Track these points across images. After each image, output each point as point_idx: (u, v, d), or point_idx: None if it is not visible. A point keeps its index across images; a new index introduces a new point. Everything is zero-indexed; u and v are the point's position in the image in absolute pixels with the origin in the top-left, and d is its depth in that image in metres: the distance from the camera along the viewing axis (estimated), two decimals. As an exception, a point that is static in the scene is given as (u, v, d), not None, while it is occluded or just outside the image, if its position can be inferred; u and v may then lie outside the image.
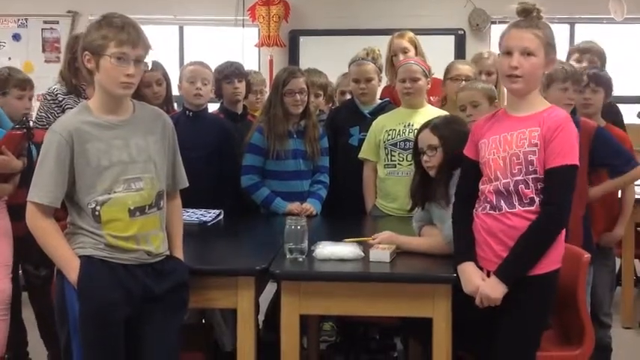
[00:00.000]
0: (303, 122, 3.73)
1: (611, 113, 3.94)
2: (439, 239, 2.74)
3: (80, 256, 2.36)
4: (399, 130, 3.69)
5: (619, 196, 3.76)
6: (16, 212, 2.94)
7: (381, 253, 2.68)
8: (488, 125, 2.52)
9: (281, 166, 3.70)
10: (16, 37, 7.21)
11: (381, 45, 4.41)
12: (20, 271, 3.56)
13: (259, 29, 6.96)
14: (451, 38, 6.94)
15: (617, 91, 3.86)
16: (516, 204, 2.39)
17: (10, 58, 6.99)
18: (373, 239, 2.79)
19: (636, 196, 3.84)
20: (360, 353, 3.96)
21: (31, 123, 3.49)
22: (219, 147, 3.70)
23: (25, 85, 3.71)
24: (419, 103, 3.74)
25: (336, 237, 2.86)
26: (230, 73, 4.06)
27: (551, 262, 2.40)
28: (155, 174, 2.46)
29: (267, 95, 4.09)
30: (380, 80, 4.07)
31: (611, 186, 3.49)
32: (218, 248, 3.12)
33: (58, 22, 7.17)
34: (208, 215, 3.40)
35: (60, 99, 3.72)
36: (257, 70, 5.93)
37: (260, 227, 3.58)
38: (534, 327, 2.45)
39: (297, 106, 3.67)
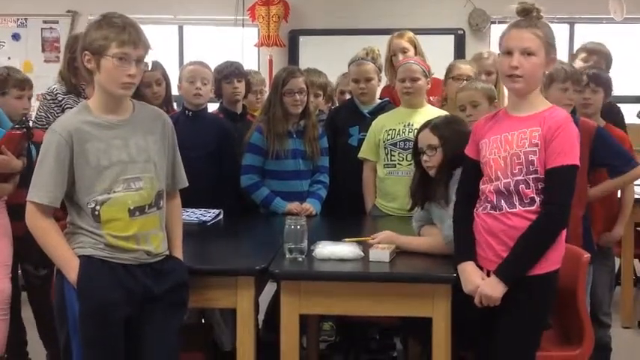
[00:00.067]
0: (302, 122, 3.73)
1: (612, 114, 3.95)
2: (439, 239, 2.74)
3: (80, 256, 2.36)
4: (399, 130, 3.69)
5: (618, 196, 3.76)
6: (16, 212, 2.93)
7: (380, 253, 2.68)
8: (489, 125, 2.52)
9: (280, 165, 3.70)
10: (16, 36, 7.20)
11: (380, 45, 4.41)
12: (19, 271, 3.56)
13: (259, 29, 6.96)
14: (451, 38, 6.94)
15: (616, 91, 3.86)
16: (517, 204, 2.39)
17: (9, 58, 6.98)
18: (373, 239, 2.79)
19: (636, 196, 3.84)
20: (360, 353, 3.95)
21: (30, 123, 3.50)
22: (219, 147, 3.70)
23: (24, 85, 3.70)
24: (419, 102, 3.74)
25: (336, 237, 2.86)
26: (229, 72, 4.06)
27: (552, 262, 2.40)
28: (155, 174, 2.46)
29: (266, 95, 4.08)
30: (379, 80, 4.07)
31: (611, 186, 3.49)
32: (218, 248, 3.12)
33: (57, 22, 7.17)
34: (208, 215, 3.40)
35: (59, 99, 3.72)
36: (257, 70, 5.92)
37: (260, 227, 3.58)
38: (534, 327, 2.45)
39: (297, 106, 3.67)
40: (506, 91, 3.63)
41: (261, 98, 4.42)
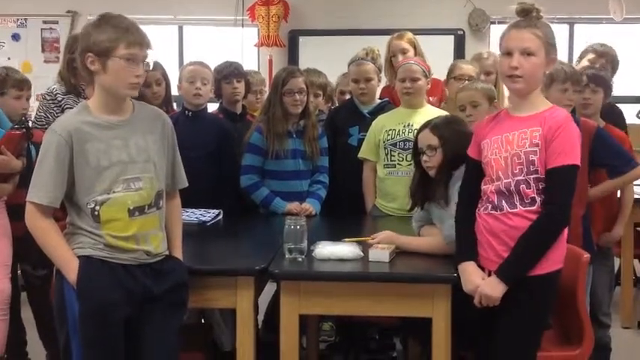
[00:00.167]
0: (302, 122, 3.73)
1: (613, 115, 3.94)
2: (439, 239, 2.74)
3: (79, 256, 2.35)
4: (399, 130, 3.69)
5: (618, 196, 3.76)
6: (16, 212, 2.93)
7: (380, 253, 2.68)
8: (490, 125, 2.52)
9: (280, 165, 3.70)
10: (16, 37, 7.20)
11: (380, 45, 4.41)
12: (19, 271, 3.56)
13: (259, 29, 6.96)
14: (450, 38, 6.95)
15: (616, 91, 3.86)
16: (517, 204, 2.39)
17: (9, 58, 6.98)
18: (372, 239, 2.79)
19: (635, 196, 3.84)
20: (360, 353, 3.95)
21: (30, 123, 3.49)
22: (219, 147, 3.69)
23: (23, 85, 3.71)
24: (418, 103, 3.74)
25: (336, 237, 2.86)
26: (229, 73, 4.06)
27: (553, 262, 2.39)
28: (154, 174, 2.46)
29: (266, 95, 4.09)
30: (379, 80, 4.07)
31: (611, 186, 3.49)
32: (217, 248, 3.12)
33: (57, 22, 7.17)
34: (207, 215, 3.40)
35: (59, 99, 3.72)
36: (256, 70, 5.92)
37: (259, 227, 3.57)
38: (534, 327, 2.45)
39: (297, 106, 3.67)
40: (505, 92, 3.65)
41: (261, 98, 4.42)
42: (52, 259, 2.38)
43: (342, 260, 2.67)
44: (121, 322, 2.36)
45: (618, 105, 4.26)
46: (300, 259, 2.68)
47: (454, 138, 2.84)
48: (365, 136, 3.81)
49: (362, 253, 2.71)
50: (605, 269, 3.66)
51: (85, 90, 3.64)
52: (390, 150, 3.68)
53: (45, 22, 7.18)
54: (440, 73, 4.29)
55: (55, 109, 3.70)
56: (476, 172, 2.54)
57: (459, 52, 6.85)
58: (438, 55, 4.78)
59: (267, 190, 3.67)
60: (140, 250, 2.41)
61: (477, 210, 2.51)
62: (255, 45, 7.04)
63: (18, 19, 7.20)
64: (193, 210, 3.38)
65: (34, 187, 2.35)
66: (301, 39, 7.06)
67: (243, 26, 7.06)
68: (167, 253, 2.52)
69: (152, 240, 2.45)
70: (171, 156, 2.57)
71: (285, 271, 2.62)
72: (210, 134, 3.70)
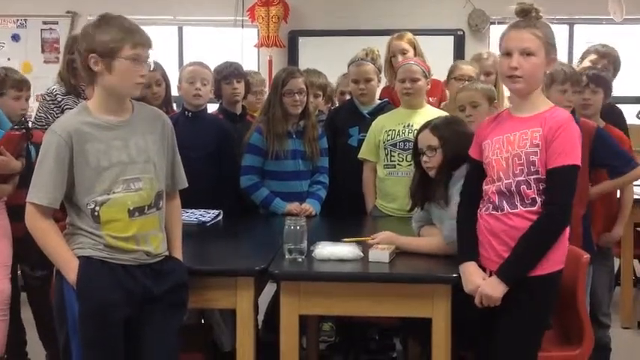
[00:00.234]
0: (302, 122, 3.73)
1: (613, 115, 3.94)
2: (439, 239, 2.74)
3: (79, 257, 2.35)
4: (399, 131, 3.69)
5: (618, 196, 3.76)
6: (16, 213, 2.93)
7: (380, 254, 2.68)
8: (492, 126, 2.52)
9: (280, 166, 3.70)
10: (15, 37, 7.20)
11: (380, 45, 4.41)
12: (19, 272, 3.56)
13: (258, 30, 6.96)
14: (450, 39, 6.95)
15: (616, 92, 3.86)
16: (518, 204, 2.39)
17: (9, 59, 6.97)
18: (372, 239, 2.79)
19: (635, 197, 3.84)
20: (360, 353, 3.96)
21: (29, 123, 3.49)
22: (219, 147, 3.69)
23: (22, 85, 3.71)
24: (418, 103, 3.74)
25: (336, 237, 2.86)
26: (229, 73, 4.06)
27: (554, 262, 2.39)
28: (154, 174, 2.46)
29: (267, 96, 4.09)
30: (379, 81, 4.07)
31: (610, 186, 3.49)
32: (217, 249, 3.12)
33: (57, 23, 7.17)
34: (207, 215, 3.40)
35: (59, 99, 3.72)
36: (256, 70, 5.92)
37: (259, 228, 3.57)
38: (535, 327, 2.45)
39: (297, 107, 3.67)
40: (505, 92, 3.65)
41: (262, 99, 4.42)
42: (52, 260, 2.38)
43: (342, 261, 2.67)
44: (120, 323, 2.36)
45: (618, 105, 4.25)
46: (300, 260, 2.68)
47: (454, 138, 2.84)
48: (365, 136, 3.81)
49: (362, 254, 2.71)
50: (604, 269, 3.66)
51: (84, 90, 3.64)
52: (390, 150, 3.68)
53: (45, 23, 7.18)
54: (440, 74, 4.29)
55: (54, 109, 3.70)
56: (477, 172, 2.54)
57: (459, 52, 6.85)
58: (437, 56, 4.78)
59: (267, 191, 3.67)
60: (140, 251, 2.41)
61: (478, 210, 2.51)
62: (255, 45, 7.04)
63: (18, 20, 7.20)
64: (193, 210, 3.38)
65: (34, 188, 2.35)
66: (301, 39, 7.06)
67: (242, 27, 7.06)
68: (167, 253, 2.52)
69: (152, 240, 2.45)
70: (170, 156, 2.57)
71: (285, 272, 2.62)
72: (210, 135, 3.70)
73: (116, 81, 2.37)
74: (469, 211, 2.54)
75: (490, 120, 2.59)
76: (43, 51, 7.19)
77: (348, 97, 4.33)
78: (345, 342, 4.07)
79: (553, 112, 2.42)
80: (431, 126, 2.91)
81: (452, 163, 2.80)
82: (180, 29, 7.43)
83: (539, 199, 2.37)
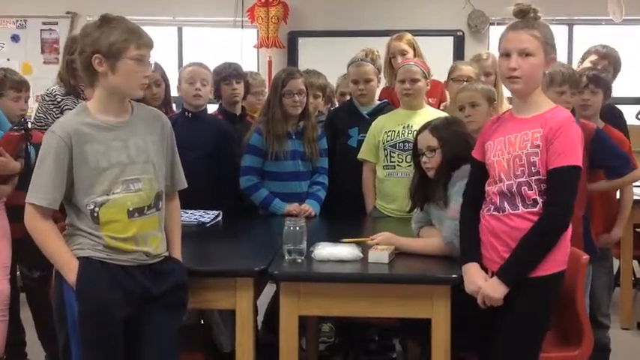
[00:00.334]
0: (302, 123, 3.73)
1: (612, 115, 3.94)
2: (438, 240, 2.74)
3: (79, 258, 2.35)
4: (399, 132, 3.69)
5: (617, 197, 3.76)
6: (15, 213, 2.93)
7: (379, 254, 2.68)
8: (494, 127, 2.53)
9: (280, 167, 3.70)
10: (15, 38, 7.19)
11: (380, 46, 4.42)
12: (18, 273, 3.56)
13: (258, 30, 6.95)
14: (450, 39, 6.94)
15: (616, 93, 3.86)
16: (519, 205, 2.39)
17: (8, 59, 6.96)
18: (372, 240, 2.79)
19: (635, 197, 3.84)
20: (359, 354, 3.95)
21: (29, 124, 3.49)
22: (218, 148, 3.69)
23: (21, 86, 3.71)
24: (418, 104, 3.74)
25: (335, 238, 2.86)
26: (228, 74, 4.06)
27: (555, 263, 2.39)
28: (154, 175, 2.46)
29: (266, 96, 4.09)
30: (379, 81, 4.07)
31: (607, 186, 3.50)
32: (217, 249, 3.12)
33: (57, 23, 7.16)
34: (207, 216, 3.40)
35: (58, 100, 3.71)
36: (256, 71, 5.91)
37: (259, 228, 3.57)
38: (536, 328, 2.45)
39: (296, 107, 3.68)
40: (505, 93, 3.65)
41: (262, 99, 4.41)
42: (52, 261, 2.38)
43: (341, 261, 2.67)
44: (120, 323, 2.36)
45: (618, 106, 4.25)
46: (299, 261, 2.68)
47: (453, 139, 2.85)
48: (364, 137, 3.81)
49: (361, 255, 2.71)
50: (604, 270, 3.66)
51: (84, 91, 3.64)
52: (390, 151, 3.68)
53: (44, 23, 7.17)
54: (439, 75, 4.29)
55: (54, 110, 3.70)
56: (480, 173, 2.54)
57: (459, 53, 6.85)
58: (437, 56, 4.78)
59: (267, 191, 3.68)
60: (139, 251, 2.41)
61: (481, 211, 2.51)
62: (254, 46, 7.03)
63: (17, 20, 7.19)
64: (193, 211, 3.38)
65: (34, 189, 2.35)
66: (301, 40, 7.06)
67: (242, 27, 7.05)
68: (167, 254, 2.52)
69: (151, 241, 2.45)
70: (170, 157, 2.57)
71: (285, 273, 2.62)
72: (210, 135, 3.70)
73: (120, 81, 2.37)
74: (472, 212, 2.54)
75: (493, 121, 2.59)
76: (42, 52, 7.18)
77: (348, 97, 4.33)
78: (344, 343, 4.07)
79: (554, 112, 2.42)
80: (430, 127, 2.91)
81: (451, 163, 2.81)
82: (179, 30, 7.42)
83: (540, 200, 2.37)
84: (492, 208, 2.45)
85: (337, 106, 4.54)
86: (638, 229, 4.56)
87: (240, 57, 6.68)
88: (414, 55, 4.24)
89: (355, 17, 6.93)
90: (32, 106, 4.18)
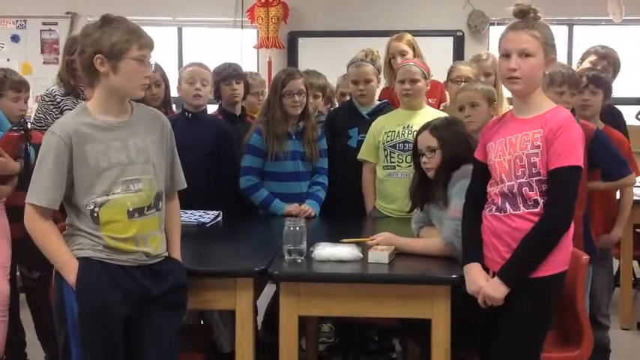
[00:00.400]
0: (301, 123, 3.73)
1: (612, 115, 3.94)
2: (438, 240, 2.74)
3: (78, 258, 2.35)
4: (398, 132, 3.69)
5: (617, 197, 3.76)
6: (15, 214, 2.93)
7: (379, 255, 2.68)
8: (496, 128, 2.52)
9: (280, 167, 3.70)
10: (15, 38, 7.19)
11: (379, 46, 4.42)
12: (18, 273, 3.56)
13: (258, 31, 6.96)
14: (450, 40, 6.94)
15: (616, 93, 3.86)
16: (520, 206, 2.39)
17: (8, 60, 6.97)
18: (372, 240, 2.79)
19: (635, 198, 3.84)
20: (359, 354, 3.95)
21: (28, 124, 3.49)
22: (218, 148, 3.69)
23: (21, 86, 3.71)
24: (418, 104, 3.74)
25: (335, 238, 2.86)
26: (228, 74, 4.06)
27: (557, 264, 2.38)
28: (154, 175, 2.46)
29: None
30: (379, 82, 4.07)
31: (606, 187, 3.50)
32: (217, 249, 3.12)
33: (56, 24, 7.16)
34: (207, 216, 3.40)
35: (58, 100, 3.71)
36: (256, 71, 5.91)
37: (259, 228, 3.57)
38: (536, 328, 2.45)
39: (296, 108, 3.68)
40: (505, 93, 3.65)
41: (263, 100, 4.41)
42: (52, 261, 2.38)
43: (341, 261, 2.67)
44: (120, 323, 2.36)
45: (618, 106, 4.26)
46: (299, 261, 2.68)
47: (453, 140, 2.85)
48: (364, 137, 3.81)
49: (361, 255, 2.71)
50: (603, 270, 3.67)
51: (83, 91, 3.64)
52: (390, 151, 3.68)
53: (44, 24, 7.17)
54: (439, 75, 4.29)
55: (54, 110, 3.70)
56: (482, 174, 2.54)
57: (458, 53, 6.85)
58: (437, 57, 4.78)
59: (267, 192, 3.68)
60: (139, 252, 2.41)
61: (483, 211, 2.51)
62: (254, 46, 7.03)
63: (17, 21, 7.19)
64: (192, 211, 3.38)
65: (33, 189, 2.35)
66: (300, 40, 7.06)
67: (242, 28, 7.06)
68: (166, 254, 2.52)
69: (151, 241, 2.45)
70: (169, 157, 2.57)
71: (285, 273, 2.62)
72: (209, 135, 3.70)
73: (121, 82, 2.37)
74: (474, 213, 2.54)
75: (495, 122, 2.59)
76: (42, 52, 7.19)
77: (348, 98, 4.33)
78: (344, 343, 4.07)
79: (555, 112, 2.41)
80: (430, 127, 2.91)
81: (451, 164, 2.81)
82: (179, 30, 7.42)
83: (541, 201, 2.37)
84: (494, 209, 2.45)
85: (337, 106, 4.54)
86: (638, 230, 4.56)
87: (240, 57, 6.68)
88: (414, 56, 4.24)
89: (355, 17, 6.93)
90: (32, 107, 4.17)
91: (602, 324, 3.59)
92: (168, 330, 2.46)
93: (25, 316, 3.62)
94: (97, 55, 2.35)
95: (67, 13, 7.12)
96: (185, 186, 2.66)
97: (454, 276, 2.52)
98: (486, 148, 2.52)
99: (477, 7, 6.92)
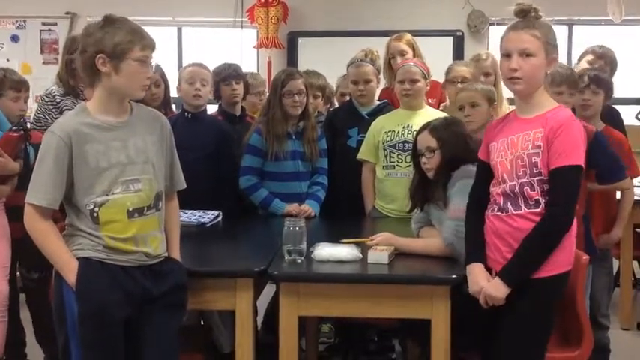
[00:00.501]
0: (301, 124, 3.73)
1: (611, 116, 3.94)
2: (438, 241, 2.74)
3: (78, 258, 2.35)
4: (398, 132, 3.69)
5: (618, 197, 3.76)
6: (15, 214, 2.93)
7: (379, 255, 2.68)
8: (499, 128, 2.52)
9: (279, 167, 3.70)
10: (15, 38, 7.19)
11: (379, 46, 4.42)
12: (17, 273, 3.56)
13: (258, 31, 6.95)
14: (449, 40, 6.94)
15: (616, 93, 3.86)
16: (522, 206, 2.38)
17: (8, 60, 6.96)
18: (371, 240, 2.79)
19: (635, 198, 3.84)
20: (359, 355, 3.95)
21: (28, 124, 3.49)
22: (217, 148, 3.69)
23: (21, 86, 3.70)
24: (418, 104, 3.74)
25: (335, 238, 2.86)
26: (228, 74, 4.06)
27: (559, 264, 2.38)
28: (153, 175, 2.46)
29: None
30: (378, 82, 4.07)
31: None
32: (216, 250, 3.12)
33: (56, 24, 7.16)
34: (207, 217, 3.40)
35: (58, 100, 3.72)
36: (256, 71, 5.91)
37: (258, 229, 3.57)
38: (538, 328, 2.44)
39: (296, 108, 3.68)
40: (505, 93, 3.65)
41: (262, 100, 4.42)
42: (51, 261, 2.38)
43: (341, 262, 2.67)
44: (120, 323, 2.35)
45: (617, 106, 4.25)
46: (299, 261, 2.68)
47: (453, 140, 2.85)
48: (364, 137, 3.81)
49: (361, 255, 2.71)
50: (603, 271, 3.66)
51: (83, 91, 3.64)
52: (390, 151, 3.68)
53: (44, 24, 7.17)
54: (439, 75, 4.28)
55: (53, 110, 3.70)
56: (485, 174, 2.53)
57: (458, 53, 6.84)
58: (436, 57, 4.77)
59: (266, 192, 3.67)
60: (139, 252, 2.41)
61: (485, 212, 2.51)
62: (254, 47, 7.03)
63: (17, 21, 7.19)
64: (192, 212, 3.38)
65: (33, 189, 2.35)
66: (300, 40, 7.06)
67: (242, 28, 7.05)
68: (166, 254, 2.52)
69: (151, 241, 2.45)
70: (169, 158, 2.57)
71: (284, 273, 2.62)
72: (209, 136, 3.70)
73: (123, 82, 2.38)
74: (476, 213, 2.53)
75: (498, 121, 2.59)
76: (42, 52, 7.18)
77: (347, 98, 4.33)
78: (344, 343, 4.07)
79: (555, 112, 2.40)
80: (430, 127, 2.91)
81: (450, 164, 2.81)
82: (179, 30, 7.42)
83: (542, 201, 2.36)
84: (496, 209, 2.45)
85: (337, 106, 4.54)
86: (638, 230, 4.56)
87: (239, 57, 6.67)
88: (414, 56, 4.24)
89: (355, 17, 6.93)
90: (32, 107, 4.17)
91: (602, 324, 3.59)
92: (168, 330, 2.46)
93: (25, 316, 3.61)
94: (99, 55, 2.35)
95: (67, 13, 7.12)
96: (184, 186, 2.66)
97: (454, 276, 2.52)
98: (489, 148, 2.52)
99: (476, 7, 6.92)
